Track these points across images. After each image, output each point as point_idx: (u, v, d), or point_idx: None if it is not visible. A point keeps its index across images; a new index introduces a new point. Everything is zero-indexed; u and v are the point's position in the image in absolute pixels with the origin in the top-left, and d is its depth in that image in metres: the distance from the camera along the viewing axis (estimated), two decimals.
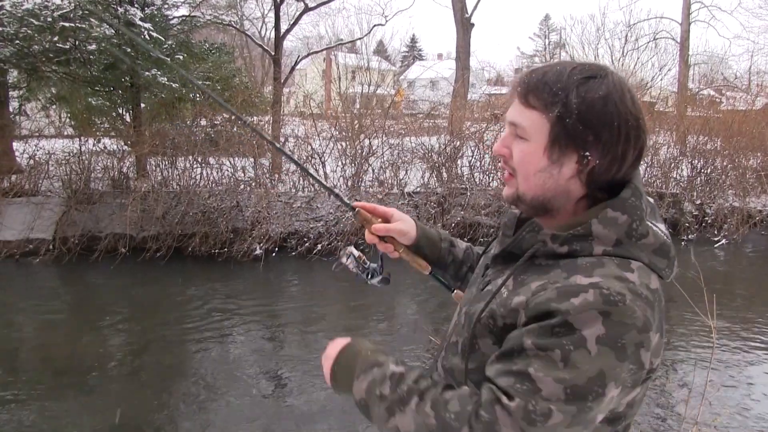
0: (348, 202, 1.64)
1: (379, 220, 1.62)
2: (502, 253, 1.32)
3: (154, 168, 12.57)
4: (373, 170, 12.99)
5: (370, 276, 1.70)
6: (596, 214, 1.18)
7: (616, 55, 20.77)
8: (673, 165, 15.08)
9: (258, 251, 10.96)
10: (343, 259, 1.69)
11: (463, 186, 12.90)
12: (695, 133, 15.39)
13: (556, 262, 1.18)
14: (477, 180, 13.40)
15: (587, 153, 1.16)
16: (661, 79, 21.32)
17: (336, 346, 1.41)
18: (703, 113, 16.76)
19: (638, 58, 20.29)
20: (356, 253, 1.71)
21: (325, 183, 1.65)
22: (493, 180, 13.44)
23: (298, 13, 17.13)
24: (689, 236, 13.87)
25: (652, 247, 1.18)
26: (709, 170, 15.22)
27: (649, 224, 1.20)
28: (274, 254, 11.25)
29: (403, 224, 1.62)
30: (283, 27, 16.40)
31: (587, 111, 1.14)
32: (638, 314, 1.06)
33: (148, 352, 7.05)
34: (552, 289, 1.09)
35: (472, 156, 13.61)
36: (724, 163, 15.37)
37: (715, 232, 14.01)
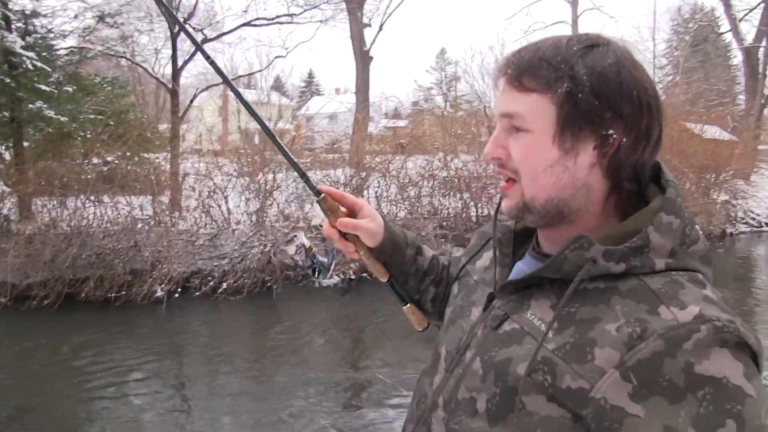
0: (314, 184, 1.34)
1: (345, 211, 1.35)
2: (522, 281, 1.05)
3: (40, 209, 11.85)
4: (278, 204, 12.69)
5: (317, 273, 1.46)
6: (649, 219, 0.97)
7: None
8: None
9: (159, 293, 10.36)
10: (290, 249, 1.44)
11: None
12: None
13: (609, 285, 0.95)
14: (385, 211, 13.34)
15: (609, 132, 0.96)
16: None
17: None
18: None
19: None
20: (307, 242, 1.45)
21: (296, 161, 1.37)
22: (400, 210, 13.44)
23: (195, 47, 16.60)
24: None
25: (700, 254, 0.99)
26: None
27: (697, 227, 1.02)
28: (176, 295, 10.66)
29: (373, 223, 1.35)
30: (180, 60, 15.90)
31: (600, 82, 0.95)
32: (750, 335, 0.87)
33: (34, 414, 6.32)
34: (655, 339, 0.85)
35: (379, 187, 13.56)
36: None
37: None
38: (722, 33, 36.64)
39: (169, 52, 15.96)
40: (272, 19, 17.75)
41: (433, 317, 1.48)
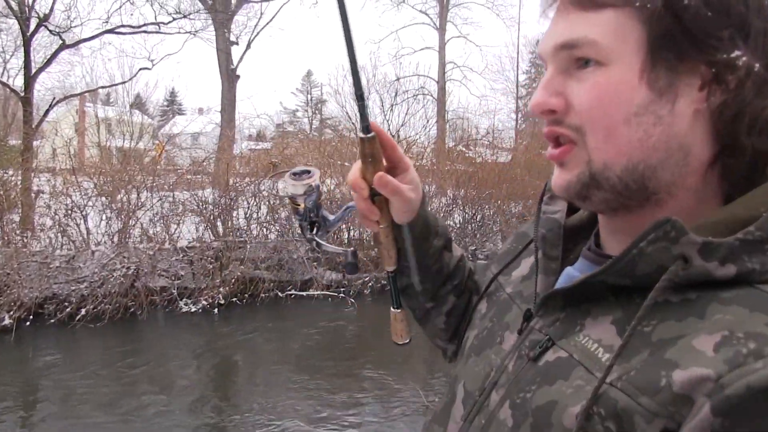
0: (367, 116, 0.94)
1: (386, 166, 0.99)
2: (573, 289, 0.76)
3: None
4: (141, 224, 11.99)
5: (315, 229, 1.10)
6: None
7: (386, 106, 21.42)
8: (446, 213, 15.70)
9: (6, 321, 9.40)
10: (296, 188, 1.05)
11: (242, 239, 12.43)
12: (459, 185, 16.22)
13: (706, 295, 0.65)
14: (254, 233, 12.97)
15: (732, 56, 0.67)
16: (428, 132, 22.35)
17: None
18: (461, 167, 17.73)
19: (407, 111, 21.00)
20: (316, 179, 1.07)
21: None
22: (271, 232, 13.13)
23: (51, 53, 15.49)
24: None
25: None
26: (479, 217, 16.08)
27: None
28: (27, 323, 9.69)
29: (414, 193, 1.01)
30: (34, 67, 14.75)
31: None
32: None
33: None
34: None
35: (248, 207, 13.16)
36: (492, 211, 16.31)
37: None
38: None
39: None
40: (139, 27, 16.81)
41: (441, 337, 1.21)
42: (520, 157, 18.30)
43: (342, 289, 12.33)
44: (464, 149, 20.05)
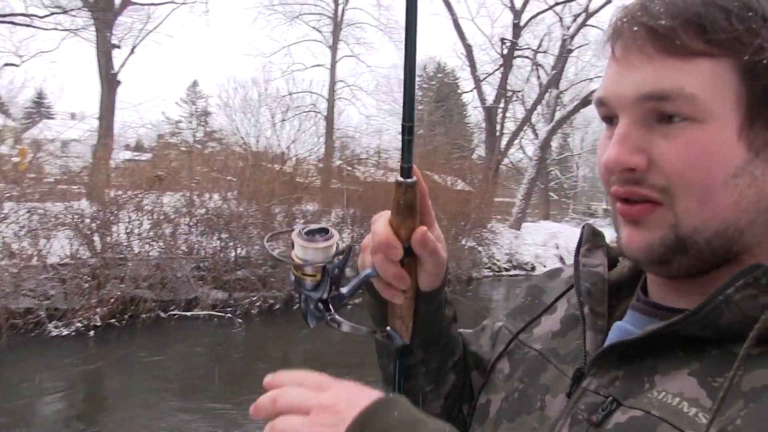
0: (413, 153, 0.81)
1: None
2: (637, 342, 0.71)
3: None
4: (3, 239, 11.00)
5: (330, 309, 0.85)
6: None
7: (277, 119, 21.21)
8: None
9: None
10: (319, 253, 0.82)
11: (122, 255, 11.80)
12: (349, 204, 16.23)
13: None
14: (136, 249, 12.35)
15: None
16: (318, 150, 22.24)
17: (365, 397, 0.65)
18: (352, 187, 17.75)
19: (299, 126, 20.79)
20: (332, 250, 0.83)
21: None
22: (153, 249, 12.50)
23: None
24: (355, 300, 14.22)
25: None
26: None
27: None
28: None
29: (445, 252, 0.88)
30: None
31: None
32: None
33: None
34: None
35: (130, 222, 12.49)
36: None
37: None
38: (465, 92, 39.77)
39: None
40: (4, 15, 15.48)
41: None
42: None
43: (229, 309, 11.95)
44: (350, 168, 20.12)
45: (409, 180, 0.80)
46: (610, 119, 0.74)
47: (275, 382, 0.71)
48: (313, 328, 0.88)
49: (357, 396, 0.65)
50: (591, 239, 0.92)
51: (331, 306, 0.85)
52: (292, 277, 0.84)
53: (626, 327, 0.80)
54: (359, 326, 0.89)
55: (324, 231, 0.84)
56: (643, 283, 0.84)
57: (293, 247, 0.82)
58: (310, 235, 0.83)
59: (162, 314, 11.33)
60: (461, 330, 1.09)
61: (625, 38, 0.70)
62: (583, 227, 0.93)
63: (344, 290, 0.87)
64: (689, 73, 0.66)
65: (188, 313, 11.57)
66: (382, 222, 0.84)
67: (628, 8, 0.71)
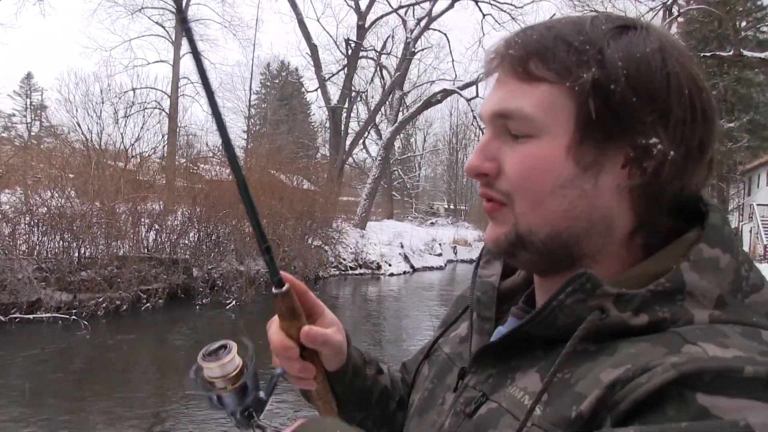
0: (276, 267, 0.83)
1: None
2: (501, 343, 0.80)
3: None
4: None
5: (249, 414, 0.87)
6: (682, 252, 0.71)
7: (120, 115, 20.30)
8: (182, 232, 15.38)
9: None
10: (212, 370, 0.84)
11: None
12: (195, 203, 16.02)
13: (622, 343, 0.68)
14: None
15: (651, 142, 0.70)
16: (163, 148, 21.57)
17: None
18: (198, 185, 17.44)
19: (144, 123, 20.02)
20: (237, 360, 0.86)
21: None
22: None
23: None
24: (203, 300, 14.43)
25: (766, 308, 0.70)
26: (214, 236, 15.93)
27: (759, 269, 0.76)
28: None
29: (340, 334, 0.94)
30: None
31: (641, 72, 0.70)
32: None
33: None
34: (666, 370, 0.60)
35: None
36: (227, 230, 16.25)
37: (226, 295, 14.77)
38: (310, 91, 39.72)
39: None
40: None
41: None
42: (251, 176, 18.43)
43: (74, 311, 11.53)
44: (193, 165, 19.79)
45: (282, 290, 0.82)
46: None
47: None
48: None
49: None
50: (490, 252, 0.94)
51: (254, 413, 0.89)
52: (215, 398, 0.87)
53: (503, 331, 0.85)
54: (278, 427, 0.90)
55: (223, 346, 0.87)
56: (531, 290, 0.88)
57: (202, 371, 0.86)
58: (214, 354, 0.86)
59: (2, 318, 10.86)
60: (405, 361, 1.17)
61: (491, 64, 0.78)
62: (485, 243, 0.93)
63: (262, 394, 0.91)
64: (529, 95, 0.73)
65: (31, 316, 11.12)
66: (273, 329, 0.87)
67: (502, 39, 0.79)
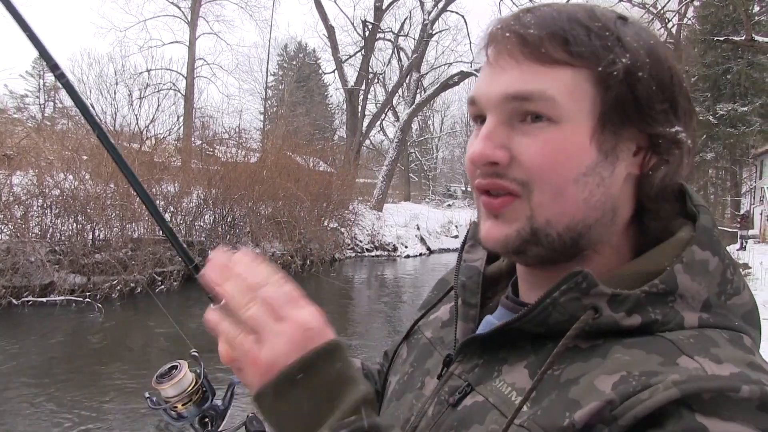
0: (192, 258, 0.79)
1: None
2: (490, 336, 0.78)
3: None
4: None
5: (211, 425, 0.89)
6: (675, 253, 0.71)
7: (134, 96, 20.29)
8: (197, 213, 15.32)
9: None
10: (167, 389, 0.88)
11: None
12: (211, 185, 15.93)
13: (612, 342, 0.69)
14: None
15: (668, 130, 0.72)
16: (178, 130, 21.56)
17: (320, 335, 0.64)
18: (214, 167, 17.43)
19: (158, 106, 20.03)
20: (189, 376, 0.91)
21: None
22: (2, 233, 11.86)
23: None
24: None
25: (743, 310, 0.73)
26: (229, 219, 15.89)
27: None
28: None
29: None
30: None
31: (654, 62, 0.71)
32: None
33: None
34: (667, 388, 0.60)
35: None
36: (243, 212, 16.18)
37: None
38: (327, 73, 39.74)
39: None
40: None
41: None
42: (268, 159, 18.36)
43: (88, 294, 11.53)
44: (209, 147, 19.80)
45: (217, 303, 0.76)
46: (478, 119, 0.77)
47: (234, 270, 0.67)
48: None
49: (303, 339, 0.64)
50: (475, 235, 0.92)
51: (211, 421, 0.91)
52: (174, 415, 0.90)
53: (493, 321, 0.85)
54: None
55: (173, 367, 0.92)
56: (515, 279, 0.87)
57: (159, 393, 0.91)
58: (166, 375, 0.91)
59: (14, 301, 10.85)
60: (386, 349, 1.15)
61: (497, 44, 0.74)
62: (471, 224, 0.95)
63: (218, 402, 0.93)
64: (551, 78, 0.70)
65: (44, 299, 11.12)
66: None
67: (504, 19, 0.76)
